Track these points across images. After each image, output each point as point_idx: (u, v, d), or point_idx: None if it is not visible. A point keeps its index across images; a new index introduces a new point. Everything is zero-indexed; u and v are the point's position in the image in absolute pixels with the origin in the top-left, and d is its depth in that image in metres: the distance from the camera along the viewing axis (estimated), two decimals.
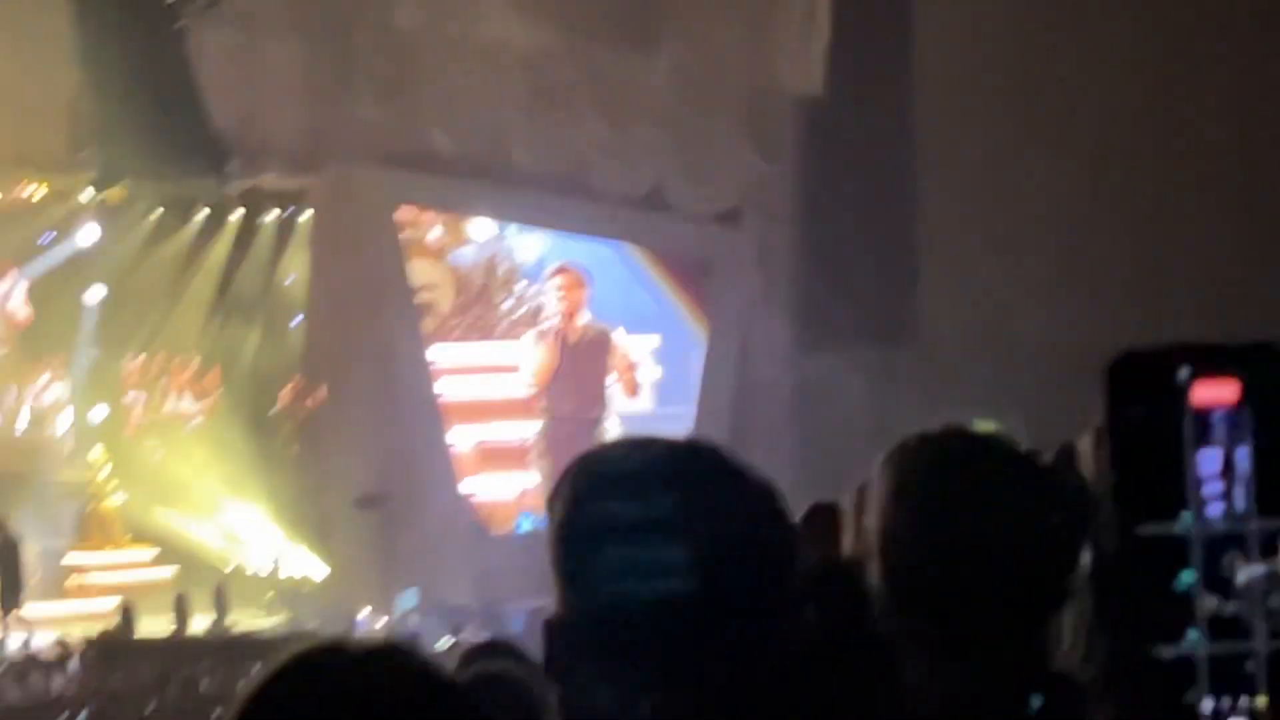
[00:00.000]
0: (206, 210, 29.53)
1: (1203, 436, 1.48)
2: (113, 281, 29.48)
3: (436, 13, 27.21)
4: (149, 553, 28.66)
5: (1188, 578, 1.45)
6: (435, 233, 29.26)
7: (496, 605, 24.63)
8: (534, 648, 2.05)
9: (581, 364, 28.49)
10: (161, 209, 29.39)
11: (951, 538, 2.49)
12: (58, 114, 26.43)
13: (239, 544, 28.98)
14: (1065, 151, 26.72)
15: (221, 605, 25.94)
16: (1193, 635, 1.45)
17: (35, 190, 28.83)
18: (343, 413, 27.90)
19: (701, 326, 29.66)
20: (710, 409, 28.74)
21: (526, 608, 21.60)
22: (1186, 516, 1.47)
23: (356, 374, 27.68)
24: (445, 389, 28.40)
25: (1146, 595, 1.47)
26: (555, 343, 28.27)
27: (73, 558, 28.02)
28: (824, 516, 4.30)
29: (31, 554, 26.00)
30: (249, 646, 20.98)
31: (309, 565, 28.60)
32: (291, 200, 29.40)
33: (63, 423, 29.44)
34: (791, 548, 2.02)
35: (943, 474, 2.55)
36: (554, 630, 1.97)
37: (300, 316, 30.06)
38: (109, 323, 29.56)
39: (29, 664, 21.83)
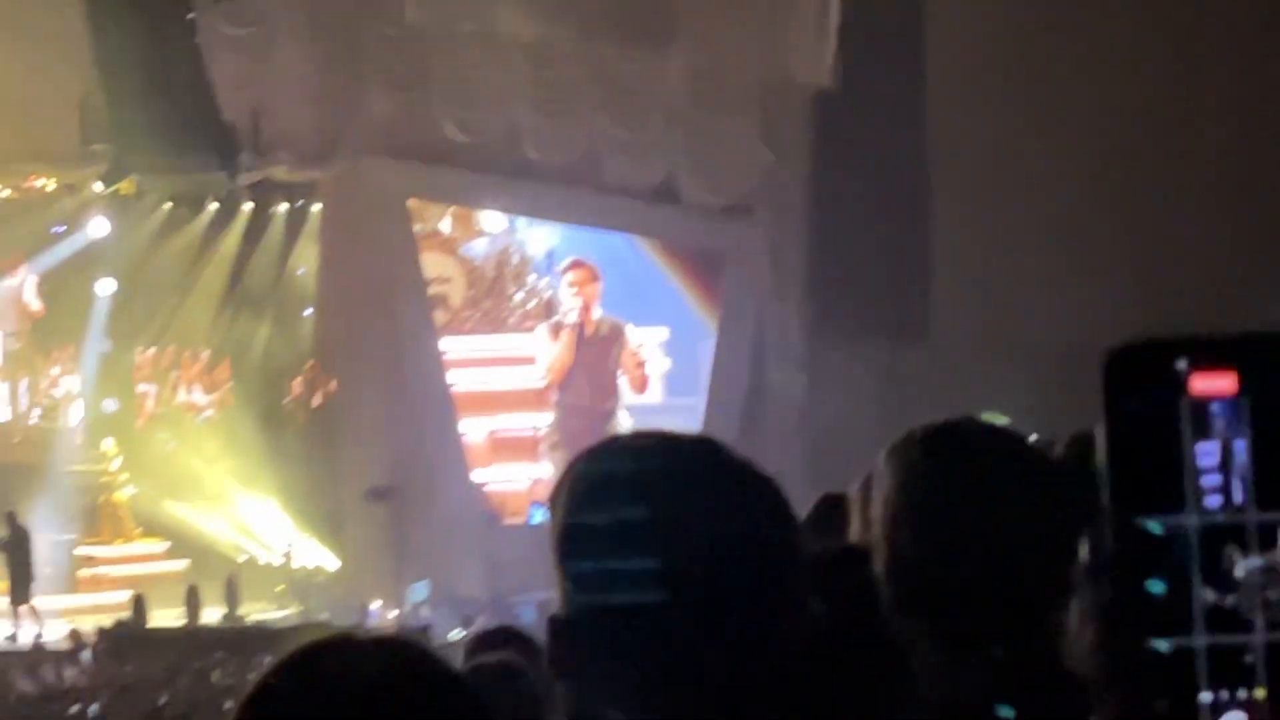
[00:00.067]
0: (216, 203, 29.57)
1: (1201, 428, 1.47)
2: (123, 274, 29.53)
3: (448, 8, 27.21)
4: (160, 545, 28.71)
5: (1156, 587, 1.44)
6: (447, 226, 29.29)
7: (507, 597, 24.66)
8: (543, 639, 2.05)
9: (595, 358, 28.57)
10: (171, 202, 29.43)
11: (955, 530, 2.49)
12: (69, 108, 26.47)
13: (250, 536, 29.03)
14: (1075, 148, 26.73)
15: (233, 597, 25.99)
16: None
17: (46, 184, 28.89)
18: (354, 405, 27.95)
19: (711, 319, 29.68)
20: (720, 401, 28.77)
21: (537, 599, 21.62)
22: (1185, 509, 1.46)
23: (368, 366, 27.73)
24: (457, 380, 28.44)
25: (1143, 589, 1.47)
26: (572, 338, 28.36)
27: (84, 550, 28.06)
28: (834, 507, 4.29)
29: (43, 547, 26.04)
30: (260, 638, 21.00)
31: (320, 557, 28.65)
32: (302, 193, 29.44)
33: (74, 415, 29.49)
34: (794, 544, 2.02)
35: (947, 466, 2.55)
36: (557, 628, 1.97)
37: (311, 309, 30.11)
38: (120, 315, 29.60)
39: (41, 656, 21.88)
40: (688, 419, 27.59)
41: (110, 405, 29.77)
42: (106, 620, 23.53)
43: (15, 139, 26.99)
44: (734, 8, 28.37)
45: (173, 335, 30.30)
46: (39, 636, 23.91)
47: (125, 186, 28.35)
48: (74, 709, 16.84)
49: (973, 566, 2.46)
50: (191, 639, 22.30)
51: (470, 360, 28.71)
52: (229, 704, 1.93)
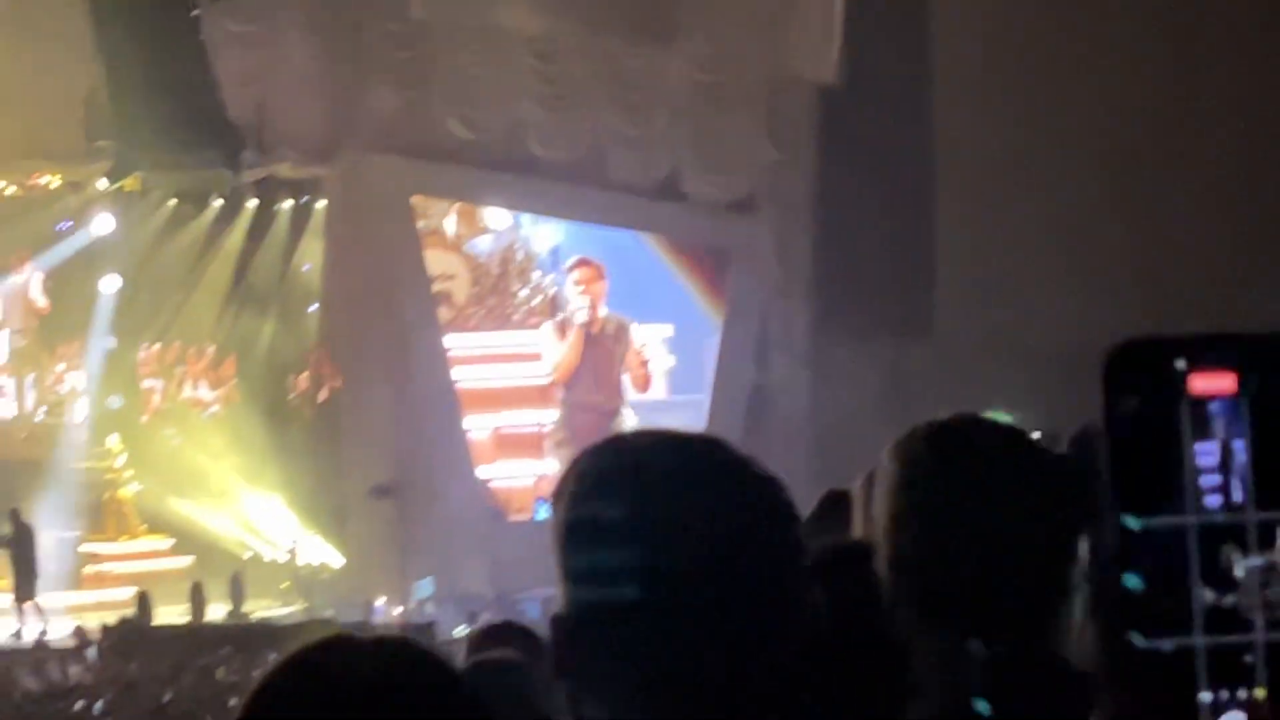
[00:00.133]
0: (221, 200, 29.58)
1: (1200, 428, 1.47)
2: (128, 271, 29.54)
3: (452, 4, 27.21)
4: (165, 542, 28.72)
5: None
6: (451, 222, 29.29)
7: (512, 593, 24.66)
8: (547, 636, 2.05)
9: (601, 356, 28.58)
10: (176, 199, 29.45)
11: (956, 528, 2.49)
12: (73, 105, 26.49)
13: (255, 533, 29.04)
14: (1079, 146, 26.73)
15: (237, 594, 25.99)
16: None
17: (51, 181, 28.91)
18: (359, 402, 27.95)
19: (716, 315, 29.68)
20: (725, 397, 28.77)
21: (541, 596, 21.62)
22: (1184, 509, 1.46)
23: (373, 363, 27.72)
24: (462, 377, 28.45)
25: (1144, 588, 1.47)
26: (580, 338, 28.38)
27: (89, 547, 28.07)
28: (838, 504, 4.28)
29: (48, 544, 26.05)
30: (265, 635, 21.01)
31: (325, 554, 28.65)
32: (306, 190, 29.45)
33: (79, 411, 29.51)
34: (795, 543, 2.02)
35: (950, 463, 2.55)
36: (560, 627, 1.98)
37: (315, 305, 30.13)
38: (124, 312, 29.62)
39: (46, 653, 21.89)
40: (692, 415, 27.60)
41: (115, 402, 29.79)
42: (111, 617, 23.52)
43: (20, 136, 27.01)
44: (739, 4, 28.37)
45: (177, 332, 30.31)
46: (43, 634, 23.91)
47: (130, 183, 28.36)
48: (79, 706, 16.85)
49: (974, 564, 2.45)
50: (196, 636, 22.31)
51: (475, 357, 28.72)
52: (234, 701, 1.93)
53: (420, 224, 28.64)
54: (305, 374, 30.39)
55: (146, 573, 27.17)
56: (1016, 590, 2.43)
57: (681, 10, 28.23)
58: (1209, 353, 1.46)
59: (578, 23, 27.67)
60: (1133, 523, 1.44)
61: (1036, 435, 2.79)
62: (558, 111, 27.99)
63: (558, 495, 2.02)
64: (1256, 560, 1.46)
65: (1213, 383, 1.46)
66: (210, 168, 25.64)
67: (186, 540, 28.49)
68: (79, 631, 23.03)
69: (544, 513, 27.48)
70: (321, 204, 29.37)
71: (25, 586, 24.50)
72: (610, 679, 1.95)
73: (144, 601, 24.26)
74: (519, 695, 4.11)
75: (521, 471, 28.58)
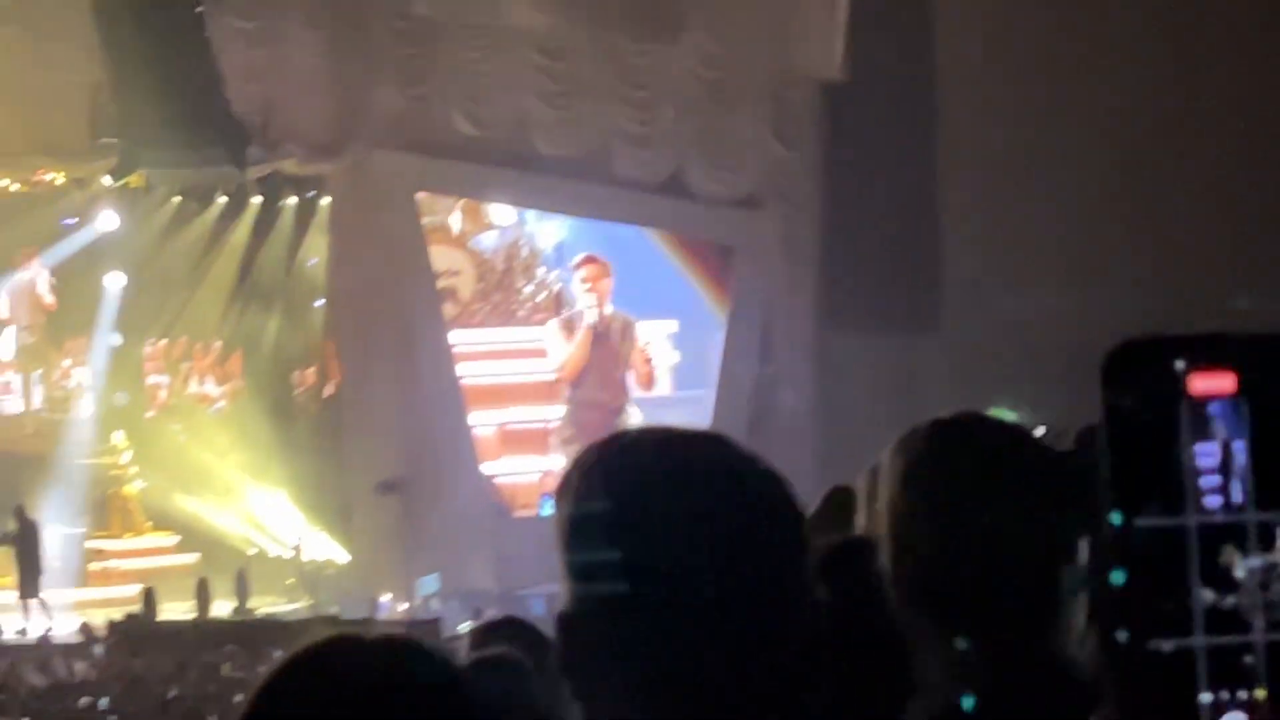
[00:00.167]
0: (225, 197, 29.60)
1: (1200, 428, 1.47)
2: (133, 267, 29.58)
3: (457, 0, 27.22)
4: (170, 539, 28.75)
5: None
6: (456, 218, 29.29)
7: (517, 589, 24.66)
8: (551, 633, 2.06)
9: (607, 354, 28.58)
10: (181, 196, 29.47)
11: (958, 526, 2.49)
12: (78, 102, 26.49)
13: (260, 529, 29.06)
14: (1086, 141, 26.70)
15: (243, 590, 26.01)
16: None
17: (55, 178, 28.94)
18: (364, 398, 27.96)
19: (721, 311, 29.67)
20: (730, 394, 28.77)
21: (547, 592, 21.62)
22: (1184, 509, 1.46)
23: (378, 359, 27.73)
24: (467, 373, 28.46)
25: (1144, 588, 1.46)
26: (588, 337, 28.38)
27: (94, 544, 28.11)
28: (843, 499, 4.28)
29: (54, 540, 26.08)
30: (270, 631, 21.02)
31: (330, 550, 28.68)
32: (311, 186, 29.46)
33: (85, 408, 29.54)
34: (799, 540, 2.02)
35: (952, 461, 2.55)
36: (564, 624, 1.98)
37: (321, 301, 30.17)
38: (129, 309, 29.65)
39: (51, 649, 21.91)
40: (697, 412, 27.59)
41: (121, 398, 29.82)
42: (117, 614, 23.55)
43: (24, 133, 27.04)
44: (744, 1, 28.35)
45: (182, 328, 30.38)
46: (49, 630, 23.94)
47: (134, 180, 28.38)
48: (84, 702, 16.86)
49: (975, 563, 2.45)
50: (202, 632, 22.32)
51: (480, 353, 28.72)
52: (239, 697, 1.94)
53: (425, 220, 28.64)
54: (310, 370, 30.44)
55: (152, 569, 27.21)
56: (1017, 590, 2.43)
57: (687, 7, 28.21)
58: (1209, 353, 1.46)
59: (583, 19, 27.66)
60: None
61: (1041, 431, 2.79)
62: (563, 108, 27.98)
63: (562, 492, 2.02)
64: (1256, 561, 1.45)
65: (1213, 383, 1.46)
66: (215, 164, 25.63)
67: (192, 537, 28.53)
68: (85, 628, 23.06)
69: (549, 509, 27.48)
70: (326, 200, 29.39)
71: (30, 583, 24.53)
72: (614, 676, 1.95)
73: (149, 598, 24.29)
74: (517, 692, 4.11)
75: (527, 467, 28.58)
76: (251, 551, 28.56)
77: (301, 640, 1.97)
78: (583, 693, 1.98)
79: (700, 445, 2.03)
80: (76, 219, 29.47)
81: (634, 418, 27.84)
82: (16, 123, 26.85)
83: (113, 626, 22.72)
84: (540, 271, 29.34)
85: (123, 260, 29.50)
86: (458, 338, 28.53)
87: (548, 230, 29.32)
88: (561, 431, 28.23)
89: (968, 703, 2.34)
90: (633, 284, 28.78)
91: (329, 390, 29.81)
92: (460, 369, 28.41)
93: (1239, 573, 1.45)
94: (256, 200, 29.79)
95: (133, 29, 23.65)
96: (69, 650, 21.68)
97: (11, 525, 24.97)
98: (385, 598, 26.03)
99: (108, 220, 29.25)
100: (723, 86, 28.58)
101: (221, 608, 25.48)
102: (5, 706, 16.09)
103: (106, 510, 28.85)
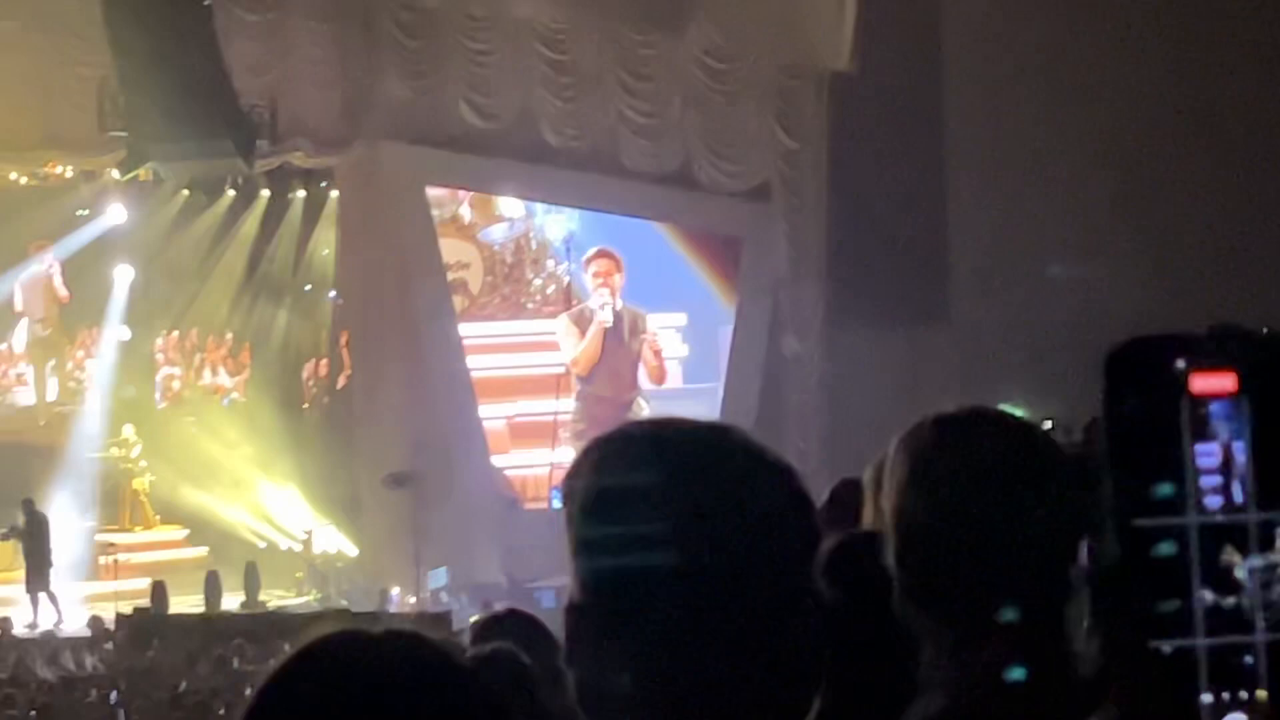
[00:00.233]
0: (233, 190, 29.61)
1: (1200, 428, 1.46)
2: (143, 260, 29.61)
3: None
4: (180, 532, 28.77)
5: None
6: (465, 211, 29.30)
7: (526, 582, 24.69)
8: (560, 625, 2.06)
9: (618, 349, 28.57)
10: (188, 189, 29.48)
11: (961, 520, 2.49)
12: (86, 95, 26.49)
13: (270, 523, 29.07)
14: (1094, 132, 26.64)
15: (252, 584, 26.02)
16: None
17: (64, 170, 28.96)
18: (373, 391, 27.98)
19: (730, 303, 29.65)
20: (739, 386, 28.75)
21: (557, 584, 21.63)
22: (1185, 509, 1.45)
23: (387, 352, 27.75)
24: (476, 366, 28.46)
25: (1145, 589, 1.46)
26: (600, 333, 28.37)
27: (104, 537, 28.13)
28: (851, 493, 4.28)
29: (64, 533, 26.09)
30: (280, 624, 21.03)
31: (340, 543, 28.69)
32: (320, 179, 29.48)
33: (95, 400, 29.57)
34: (811, 531, 2.02)
35: (955, 457, 2.54)
36: (572, 616, 1.97)
37: (330, 294, 30.18)
38: (139, 302, 29.68)
39: (61, 643, 21.92)
40: (707, 404, 27.60)
41: (131, 391, 29.85)
42: (126, 607, 23.57)
43: (33, 126, 27.04)
44: None
45: (191, 321, 30.40)
46: (58, 623, 23.96)
47: (143, 173, 28.39)
48: (94, 696, 16.87)
49: (977, 559, 2.45)
50: (211, 626, 22.32)
51: (489, 345, 28.72)
52: (249, 690, 1.93)
53: (434, 212, 28.65)
54: (319, 363, 30.46)
55: (162, 562, 27.21)
56: (1018, 587, 2.42)
57: None
58: (1209, 353, 1.46)
59: (589, 10, 27.65)
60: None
61: (1049, 424, 2.79)
62: (570, 100, 27.98)
63: (571, 483, 2.02)
64: (1257, 561, 1.45)
65: (1213, 383, 1.45)
66: (223, 157, 25.62)
67: (201, 530, 28.54)
68: (94, 621, 23.07)
69: (559, 501, 27.43)
70: (335, 193, 29.41)
71: (39, 577, 24.53)
72: (621, 668, 1.95)
73: (159, 591, 24.29)
74: (516, 686, 4.11)
75: (536, 460, 28.57)
76: (261, 545, 28.56)
77: (307, 635, 1.97)
78: (588, 684, 1.98)
79: (710, 436, 2.03)
80: (86, 211, 29.51)
81: (643, 410, 27.83)
82: (25, 116, 26.85)
83: (122, 620, 22.74)
84: (549, 264, 29.33)
85: (131, 253, 29.53)
86: (467, 330, 28.54)
87: (556, 223, 29.31)
88: (572, 425, 28.23)
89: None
90: (641, 277, 28.76)
91: (341, 380, 29.84)
92: (469, 361, 28.42)
93: (1239, 573, 1.45)
94: (265, 193, 29.80)
95: (141, 23, 23.62)
96: (78, 644, 21.70)
97: (20, 519, 24.98)
98: (395, 591, 26.04)
99: (116, 213, 29.28)
100: (729, 78, 28.54)
101: (231, 601, 25.47)
102: (15, 700, 16.10)
103: (117, 503, 28.87)
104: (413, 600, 25.79)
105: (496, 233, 29.35)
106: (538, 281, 29.29)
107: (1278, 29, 25.86)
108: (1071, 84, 26.92)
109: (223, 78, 24.32)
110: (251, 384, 30.40)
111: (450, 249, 28.82)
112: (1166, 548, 1.46)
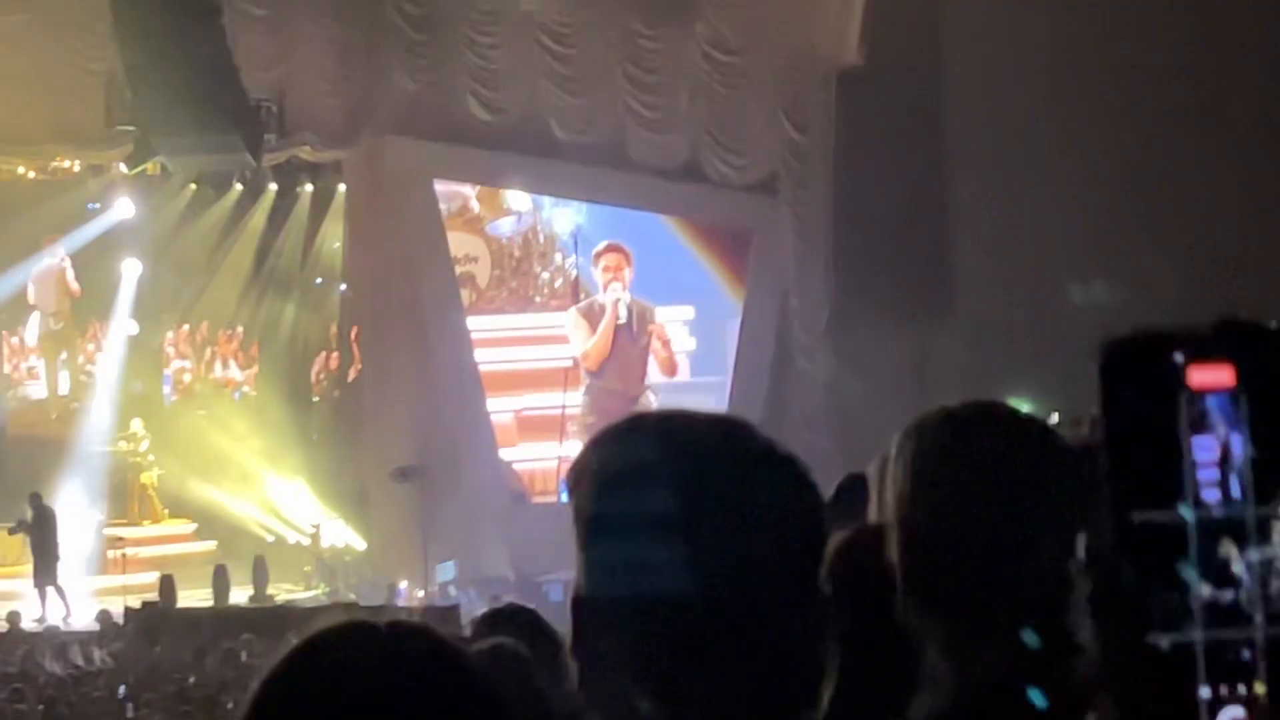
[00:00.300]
0: (241, 185, 29.65)
1: (1198, 422, 1.46)
2: (151, 254, 29.65)
3: None
4: (188, 526, 28.81)
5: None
6: (472, 205, 29.31)
7: (534, 576, 24.70)
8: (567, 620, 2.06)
9: (628, 343, 28.59)
10: (196, 183, 29.52)
11: (965, 516, 2.48)
12: (93, 90, 26.52)
13: (278, 517, 29.11)
14: (1100, 126, 26.62)
15: (261, 577, 26.04)
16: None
17: (72, 165, 29.00)
18: (381, 385, 28.01)
19: (737, 297, 29.65)
20: (746, 379, 28.76)
21: (564, 578, 21.63)
22: (1183, 503, 1.45)
23: (395, 346, 27.78)
24: (484, 359, 28.48)
25: (1143, 583, 1.46)
26: (611, 328, 28.38)
27: (113, 531, 28.18)
28: (858, 486, 4.28)
29: (73, 527, 26.13)
30: (288, 618, 21.00)
31: (348, 537, 28.73)
32: (327, 173, 29.51)
33: (104, 394, 29.61)
34: (817, 524, 2.01)
35: (958, 452, 2.54)
36: (579, 610, 1.97)
37: (339, 288, 30.22)
38: (147, 296, 29.72)
39: (69, 637, 21.94)
40: (714, 397, 27.61)
41: (139, 385, 29.89)
42: (135, 601, 23.59)
43: (41, 121, 27.07)
44: None
45: (200, 315, 30.45)
46: (67, 617, 23.98)
47: (150, 167, 28.43)
48: (101, 690, 16.88)
49: (979, 555, 2.45)
50: (220, 619, 22.34)
51: (497, 339, 28.74)
52: (254, 681, 1.94)
53: (441, 206, 28.67)
54: (329, 356, 30.49)
55: (170, 556, 27.26)
56: (1020, 583, 2.42)
57: None
58: (1207, 346, 1.45)
59: (596, 4, 27.65)
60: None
61: (1055, 418, 2.78)
62: (577, 94, 27.99)
63: (578, 476, 2.02)
64: (1255, 555, 1.45)
65: (1211, 376, 1.45)
66: (230, 151, 25.64)
67: (210, 524, 28.59)
68: (102, 615, 23.09)
69: (566, 495, 27.43)
70: (342, 187, 29.44)
71: (47, 571, 24.56)
72: (627, 662, 1.95)
73: (167, 585, 24.31)
74: (518, 680, 4.12)
75: (544, 453, 28.60)
76: (269, 539, 28.61)
77: (311, 626, 1.97)
78: (593, 677, 1.98)
79: (719, 430, 2.03)
80: (95, 205, 29.57)
81: (651, 404, 27.84)
82: (33, 110, 26.87)
83: (130, 614, 22.76)
84: (557, 257, 29.34)
85: (139, 247, 29.57)
86: (475, 324, 28.55)
87: (564, 216, 29.32)
88: (581, 419, 28.24)
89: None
90: (649, 270, 28.78)
91: (351, 375, 29.88)
92: (477, 355, 28.44)
93: (1237, 567, 1.44)
94: (273, 187, 29.83)
95: (148, 17, 23.62)
96: (86, 638, 21.71)
97: (28, 513, 25.01)
98: (403, 584, 26.08)
99: (124, 207, 29.32)
100: (736, 71, 28.53)
101: (239, 595, 25.51)
102: (23, 694, 16.11)
103: (125, 497, 28.92)
104: (421, 594, 25.82)
105: (504, 226, 29.36)
106: (545, 275, 29.30)
107: (1278, 29, 25.83)
108: (1077, 77, 26.90)
109: (230, 72, 24.33)
110: (261, 377, 30.45)
111: (458, 242, 28.84)
112: (1163, 542, 1.46)
